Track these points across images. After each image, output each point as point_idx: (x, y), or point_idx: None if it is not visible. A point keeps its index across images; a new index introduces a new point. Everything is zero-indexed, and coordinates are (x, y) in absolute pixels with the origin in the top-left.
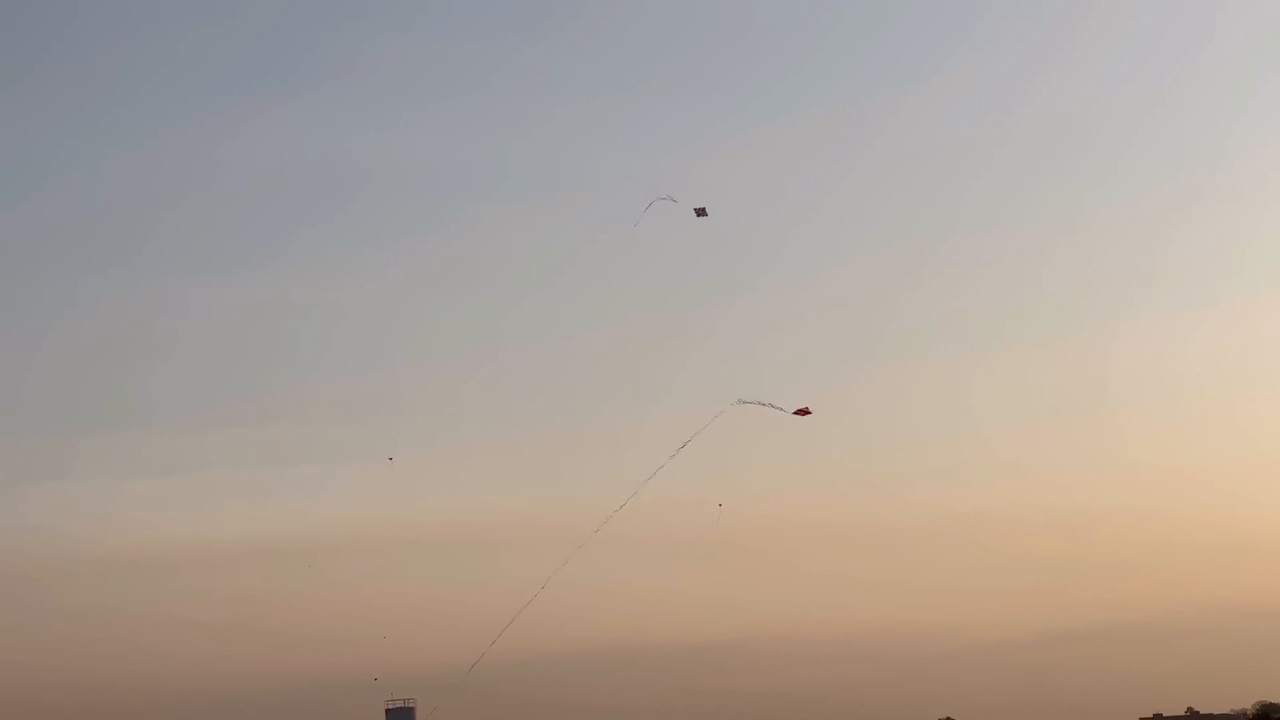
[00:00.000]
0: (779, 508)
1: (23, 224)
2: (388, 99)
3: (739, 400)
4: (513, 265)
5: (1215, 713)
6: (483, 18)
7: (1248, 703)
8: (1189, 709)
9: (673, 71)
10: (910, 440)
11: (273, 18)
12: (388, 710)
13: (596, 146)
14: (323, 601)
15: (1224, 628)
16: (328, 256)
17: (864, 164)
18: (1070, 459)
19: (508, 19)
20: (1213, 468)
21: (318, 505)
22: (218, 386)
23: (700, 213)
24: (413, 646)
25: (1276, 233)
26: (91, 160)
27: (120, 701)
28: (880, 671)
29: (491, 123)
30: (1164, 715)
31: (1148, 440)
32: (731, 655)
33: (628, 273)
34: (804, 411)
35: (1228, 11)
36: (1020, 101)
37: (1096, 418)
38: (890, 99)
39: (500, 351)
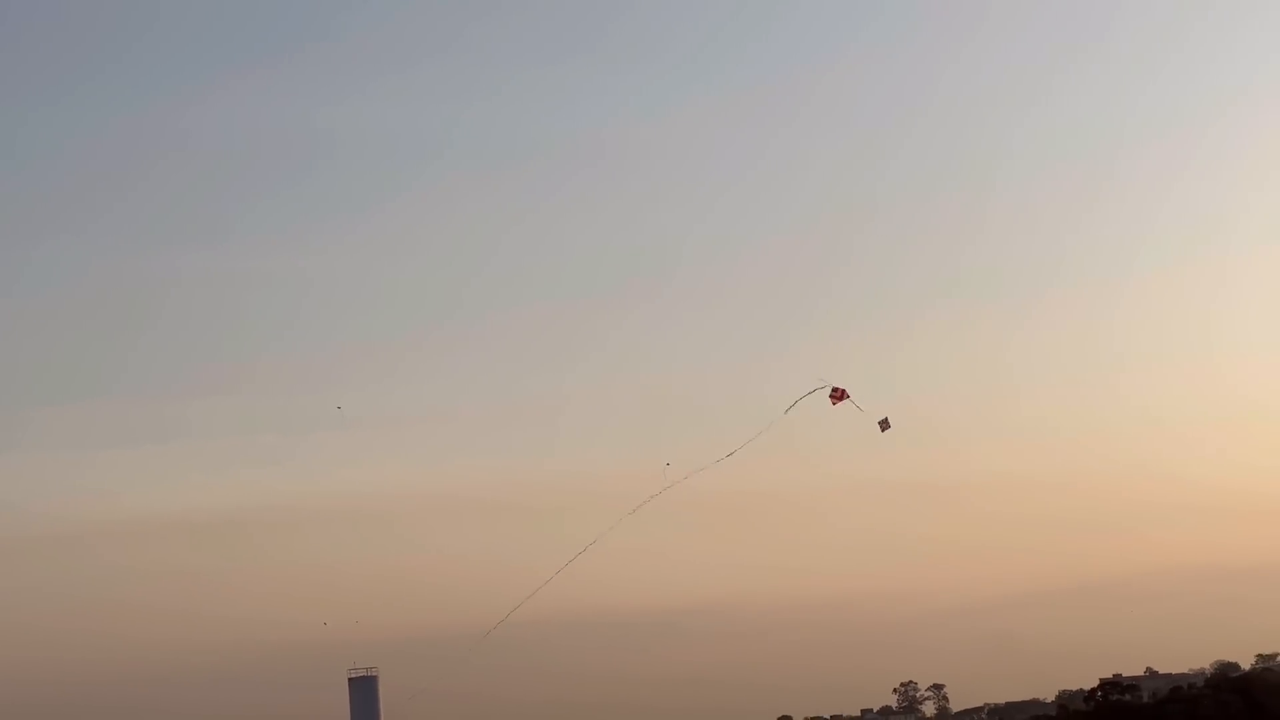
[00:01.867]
0: (738, 476)
1: None
2: (347, 70)
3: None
4: (471, 232)
5: (1174, 672)
6: None
7: (1206, 662)
8: (1148, 669)
9: (625, 41)
10: (859, 409)
11: None
12: (350, 679)
13: (549, 115)
14: (282, 572)
15: (1182, 590)
16: (288, 226)
17: (790, 137)
18: (1027, 425)
19: None
20: (1170, 431)
21: (280, 475)
22: (179, 357)
23: (884, 425)
24: (374, 615)
25: (1191, 205)
26: (54, 132)
27: (84, 673)
28: (844, 636)
29: (448, 92)
30: (1124, 676)
31: (1110, 401)
32: (695, 621)
33: (582, 240)
34: (840, 394)
35: None
36: (935, 78)
37: (1044, 383)
38: (812, 75)
39: (458, 320)
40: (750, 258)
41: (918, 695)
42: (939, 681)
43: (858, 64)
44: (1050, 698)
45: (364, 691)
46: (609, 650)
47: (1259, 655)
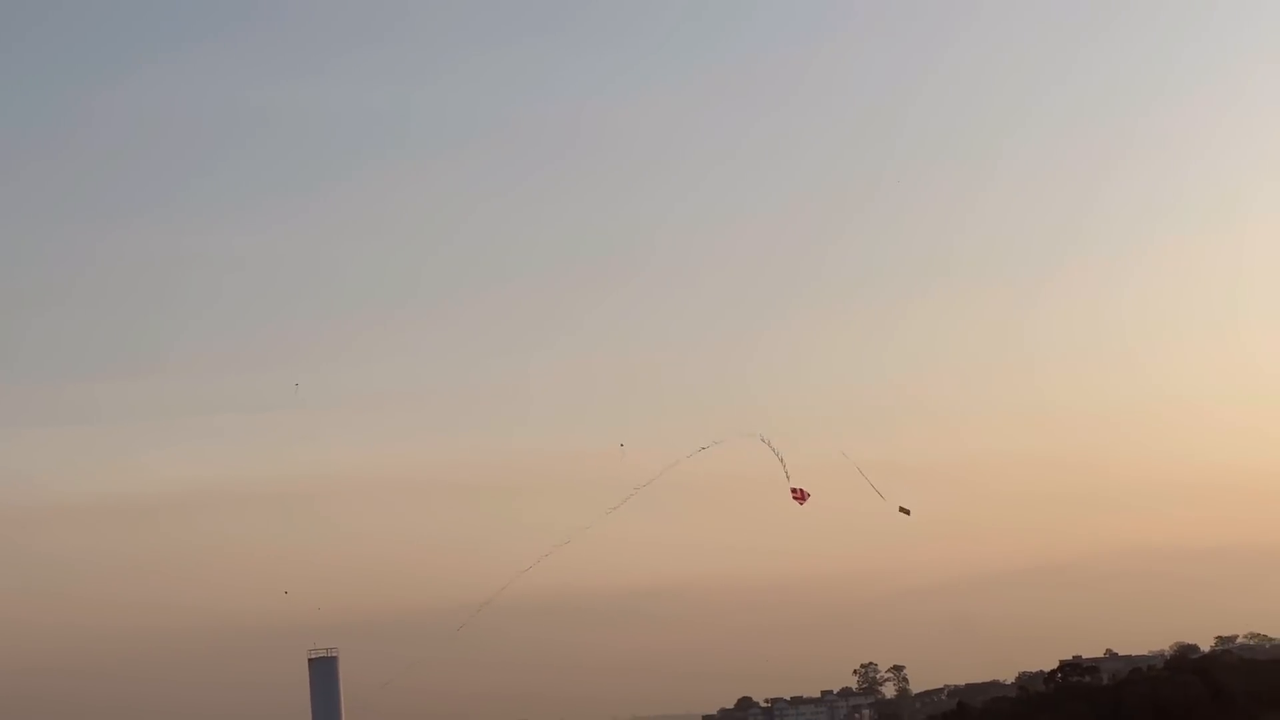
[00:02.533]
0: (700, 460)
1: None
2: (290, 48)
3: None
4: (416, 216)
5: (1134, 654)
6: None
7: (1165, 644)
8: (1108, 651)
9: (583, 19)
10: (837, 386)
11: None
12: (310, 659)
13: (501, 97)
14: (237, 551)
15: (1142, 571)
16: (227, 206)
17: (786, 112)
18: (990, 405)
19: None
20: (1135, 413)
21: (237, 455)
22: (117, 337)
23: (904, 511)
24: (332, 596)
25: (1204, 179)
26: None
27: (38, 659)
28: (805, 618)
29: (394, 73)
30: (1083, 657)
31: (1068, 386)
32: (655, 604)
33: (539, 222)
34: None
35: None
36: (941, 49)
37: (1018, 364)
38: (811, 46)
39: (408, 301)
40: (733, 238)
41: (878, 677)
42: (899, 663)
43: (854, 39)
44: (1010, 679)
45: (324, 672)
46: (570, 633)
47: (1218, 637)
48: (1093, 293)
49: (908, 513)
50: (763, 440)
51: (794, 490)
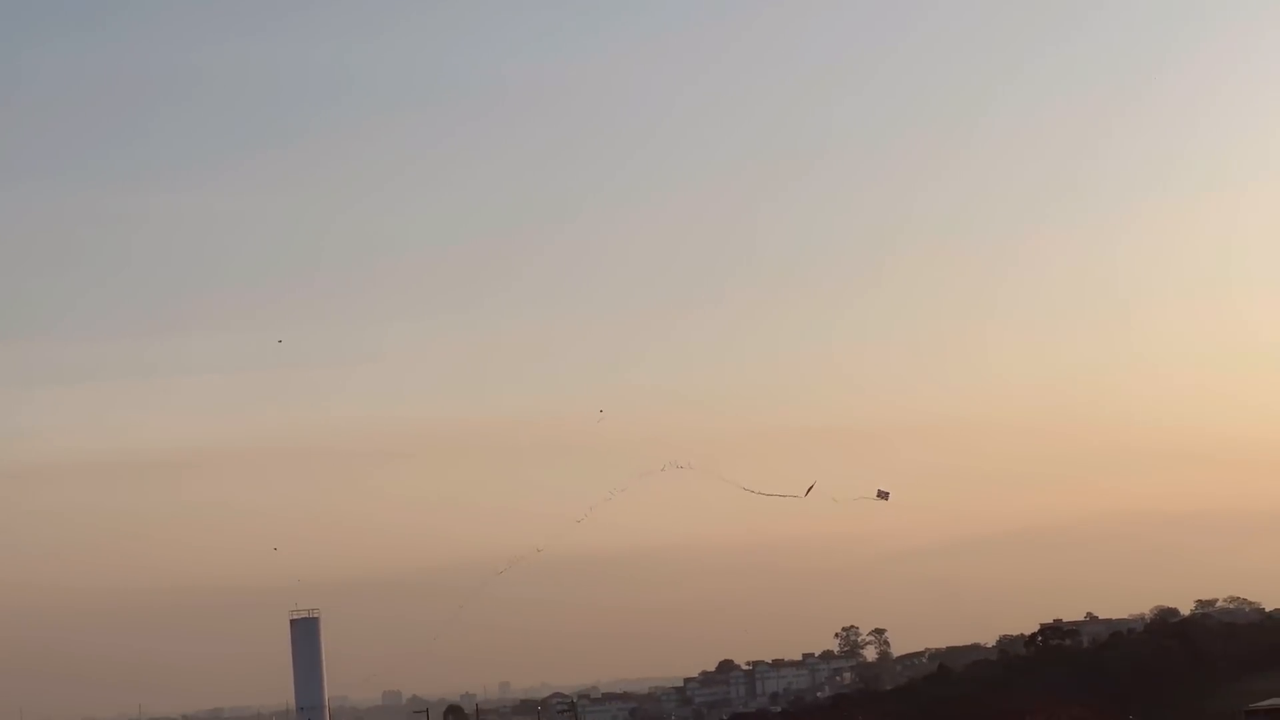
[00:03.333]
0: (681, 422)
1: None
2: (233, 5)
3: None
4: (354, 174)
5: (1114, 618)
6: None
7: (1145, 608)
8: (1089, 614)
9: None
10: (815, 351)
11: None
12: (292, 620)
13: (441, 55)
14: (223, 513)
15: (1123, 535)
16: (174, 164)
17: (729, 76)
18: (971, 371)
19: None
20: (1107, 380)
21: (220, 415)
22: (115, 296)
23: (882, 495)
24: (316, 556)
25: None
26: None
27: (20, 615)
28: (786, 581)
29: (334, 30)
30: (1064, 621)
31: (1047, 352)
32: (636, 568)
33: (474, 184)
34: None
35: None
36: (912, 15)
37: (997, 330)
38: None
39: (395, 260)
40: (675, 203)
41: (859, 640)
42: (880, 626)
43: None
44: (991, 642)
45: (306, 632)
46: (551, 597)
47: (1198, 601)
48: (1074, 258)
49: (886, 496)
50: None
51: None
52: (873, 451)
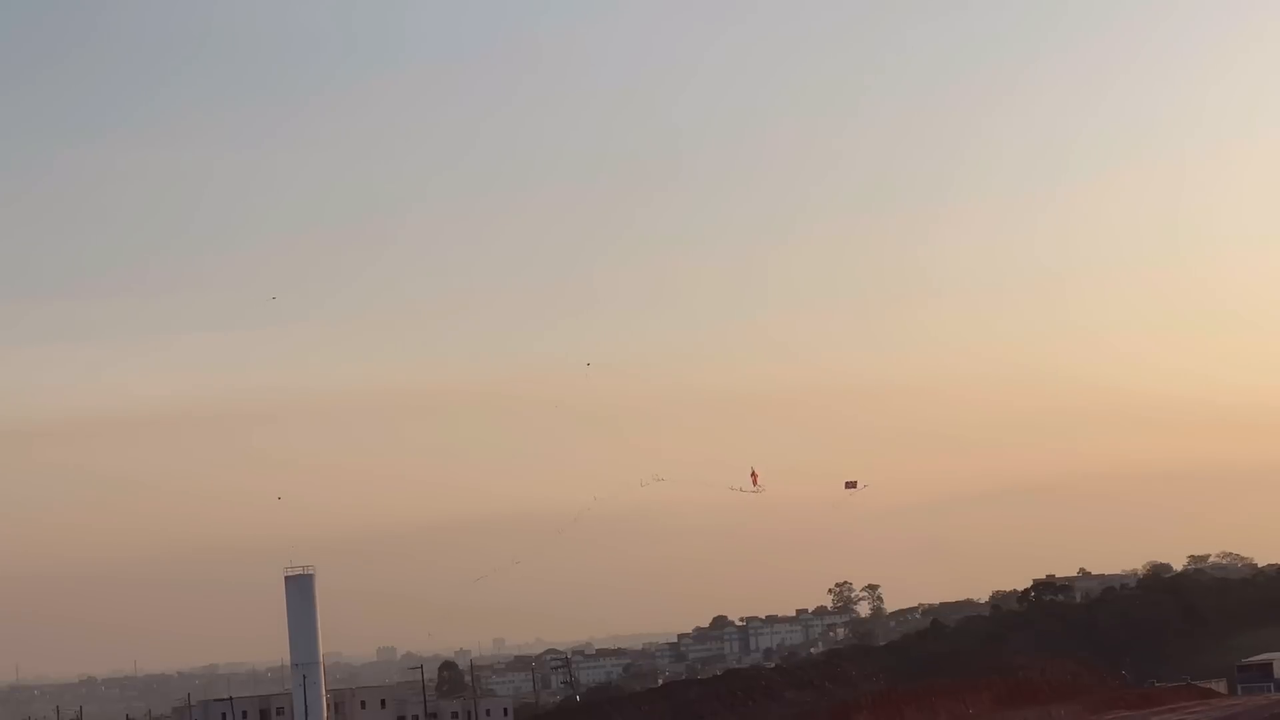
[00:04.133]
0: (672, 380)
1: None
2: None
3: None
4: (354, 130)
5: (1107, 573)
6: None
7: (1138, 563)
8: (1081, 570)
9: None
10: (791, 310)
11: None
12: (287, 577)
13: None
14: (219, 470)
15: (1116, 491)
16: (194, 119)
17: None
18: (966, 327)
19: None
20: (1103, 339)
21: (210, 372)
22: (109, 254)
23: (851, 485)
24: (311, 513)
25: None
26: None
27: (17, 571)
28: (780, 538)
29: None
30: (1057, 576)
31: (1043, 308)
32: (632, 523)
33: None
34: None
35: None
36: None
37: (995, 287)
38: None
39: (403, 219)
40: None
41: (853, 596)
42: (874, 582)
43: None
44: (984, 598)
45: (301, 589)
46: (546, 553)
47: (1191, 557)
48: (1071, 214)
49: (854, 486)
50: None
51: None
52: (867, 408)
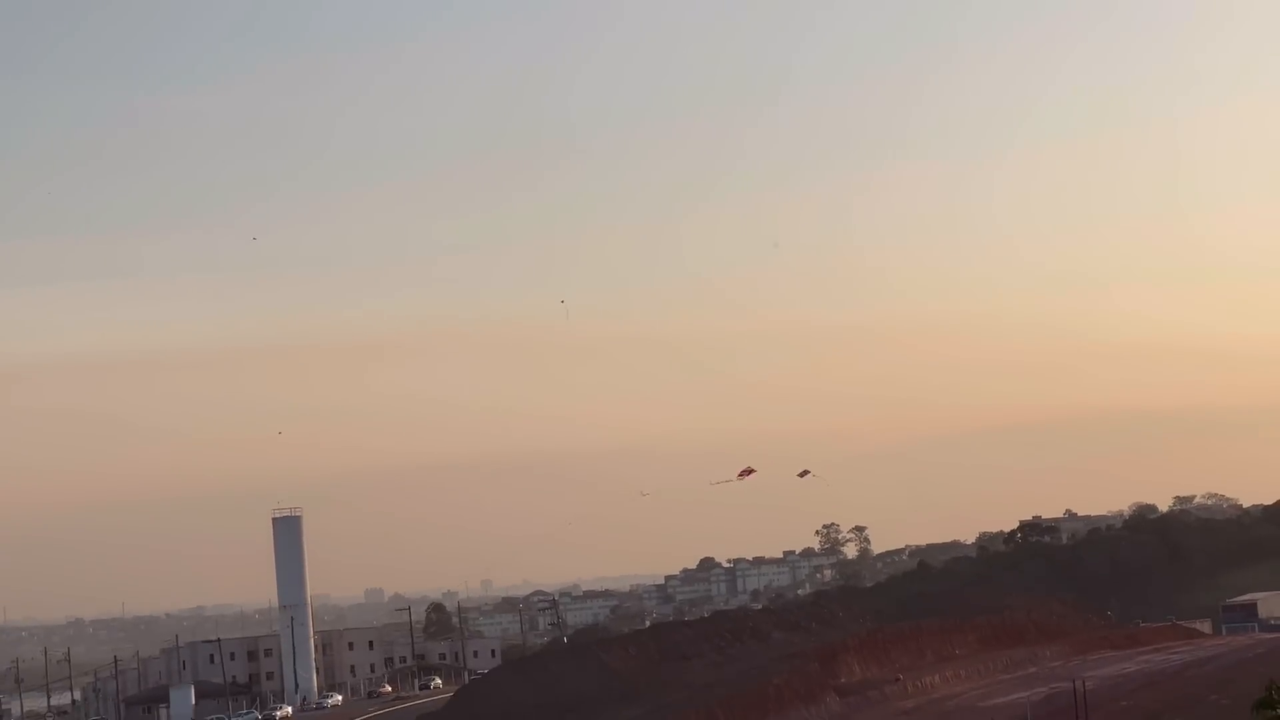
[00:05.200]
0: (658, 321)
1: None
2: None
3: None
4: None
5: (1093, 514)
6: None
7: (1124, 505)
8: (1067, 511)
9: None
10: (799, 255)
11: None
12: (274, 519)
13: None
14: (207, 412)
15: (1102, 432)
16: (189, 66)
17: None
18: (951, 270)
19: None
20: (1089, 280)
21: (201, 314)
22: (97, 197)
23: (803, 474)
24: (299, 455)
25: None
26: None
27: (6, 513)
28: (767, 479)
29: None
30: (1043, 518)
31: (1030, 250)
32: (617, 463)
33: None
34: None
35: None
36: None
37: (975, 229)
38: None
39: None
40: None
41: (840, 537)
42: (861, 524)
43: None
44: (971, 540)
45: (288, 531)
46: (531, 494)
47: (1176, 497)
48: (1061, 163)
49: (805, 474)
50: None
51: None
52: (854, 349)
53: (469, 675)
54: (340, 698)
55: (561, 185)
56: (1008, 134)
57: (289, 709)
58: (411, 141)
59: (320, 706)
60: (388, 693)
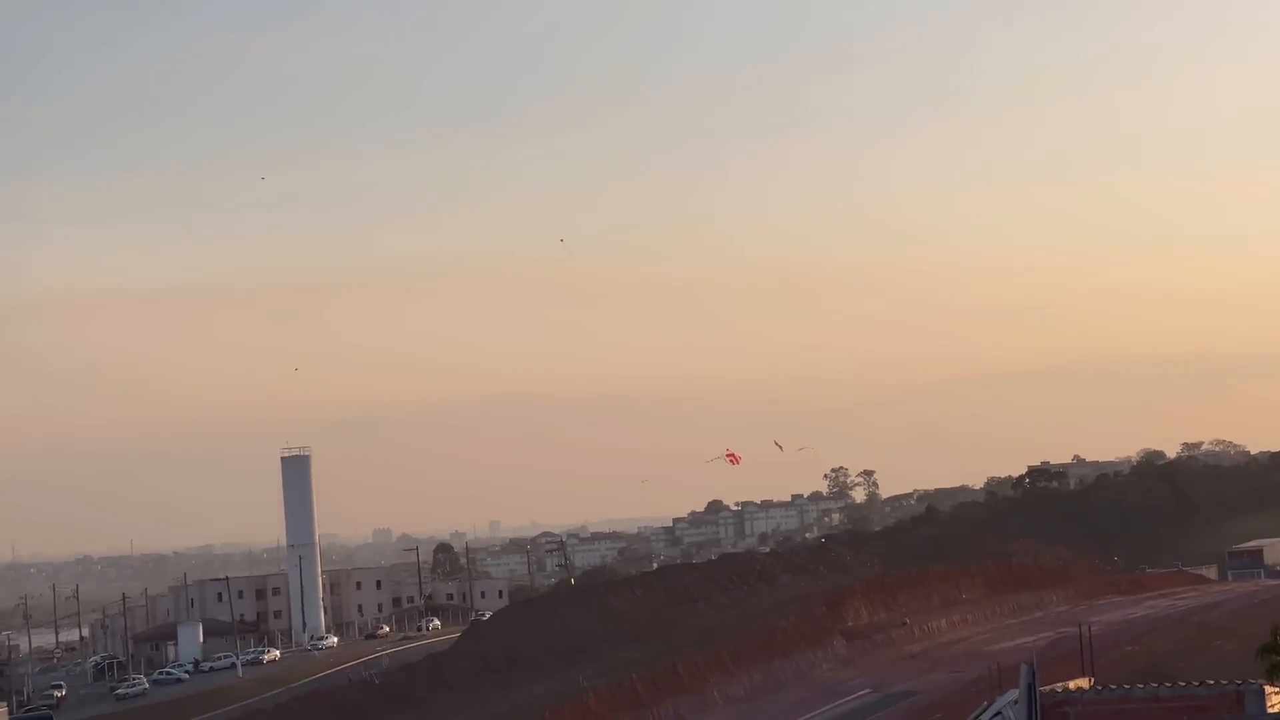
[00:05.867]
0: (669, 264)
1: None
2: None
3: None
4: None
5: (1101, 460)
6: None
7: (1132, 451)
8: (1075, 457)
9: None
10: (805, 199)
11: None
12: (283, 458)
13: None
14: (217, 350)
15: (1110, 378)
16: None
17: None
18: (962, 213)
19: None
20: (1097, 226)
21: (209, 251)
22: (107, 135)
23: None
24: (309, 394)
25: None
26: None
27: (15, 450)
28: (775, 422)
29: None
30: (1051, 463)
31: (1042, 195)
32: (628, 405)
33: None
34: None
35: None
36: None
37: (988, 175)
38: None
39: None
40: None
41: (848, 481)
42: (869, 468)
43: None
44: (979, 484)
45: (297, 469)
46: (542, 435)
47: (1184, 444)
48: (1082, 116)
49: (780, 447)
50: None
51: (729, 454)
52: (862, 293)
53: (474, 615)
54: (335, 639)
55: (596, 134)
56: (1024, 89)
57: (276, 653)
58: (451, 84)
59: (314, 649)
60: (386, 634)
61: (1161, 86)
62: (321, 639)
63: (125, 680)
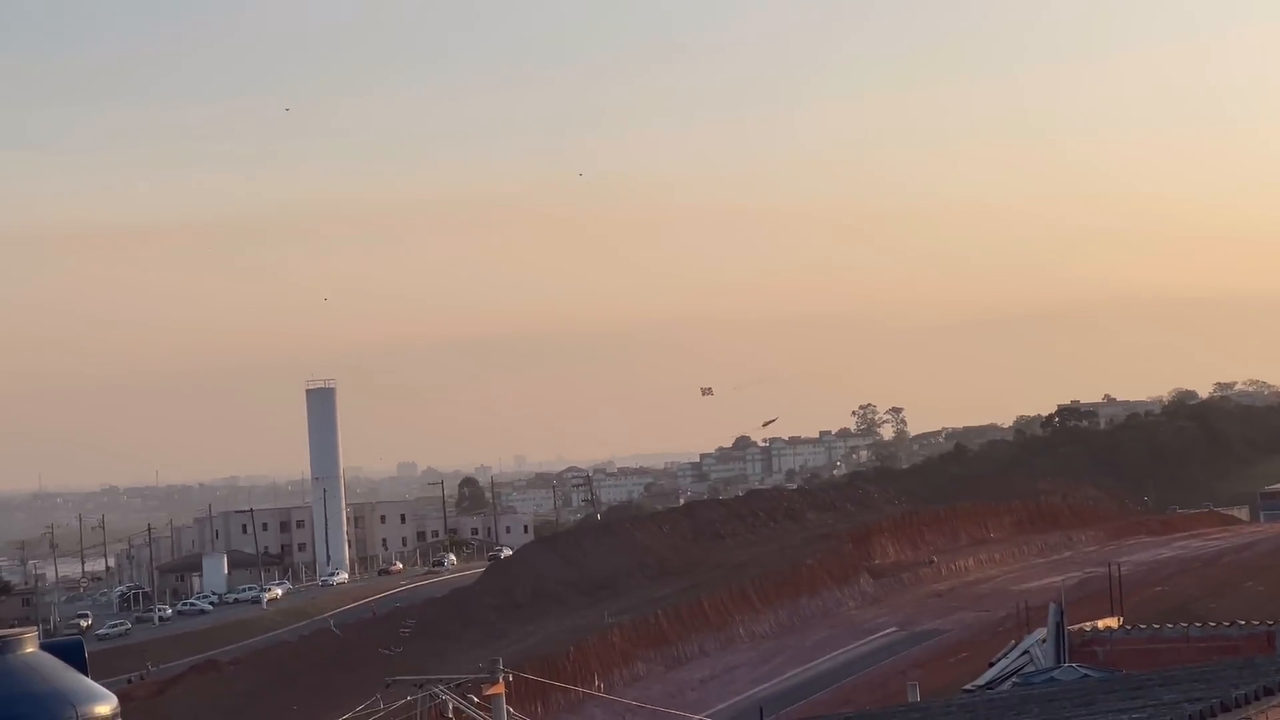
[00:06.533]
0: (701, 194)
1: None
2: None
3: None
4: None
5: (1132, 399)
6: None
7: (1164, 390)
8: (1106, 396)
9: None
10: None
11: None
12: (308, 391)
13: None
14: (244, 282)
15: (1142, 317)
16: None
17: None
18: (992, 147)
19: None
20: (1132, 161)
21: (237, 183)
22: (130, 65)
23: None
24: (335, 326)
25: None
26: None
27: (42, 376)
28: (804, 359)
29: None
30: (1081, 402)
31: (1069, 128)
32: (656, 339)
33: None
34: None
35: None
36: None
37: (1021, 108)
38: None
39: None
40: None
41: (876, 419)
42: (898, 405)
43: None
44: (1008, 423)
45: (322, 402)
46: (569, 369)
47: (1217, 384)
48: (1114, 64)
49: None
50: None
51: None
52: (892, 229)
53: (491, 553)
54: (345, 575)
55: (633, 80)
56: (1067, 40)
57: (278, 591)
58: (473, 31)
59: (325, 584)
60: (399, 570)
61: (1214, 48)
62: (332, 574)
63: (150, 609)
